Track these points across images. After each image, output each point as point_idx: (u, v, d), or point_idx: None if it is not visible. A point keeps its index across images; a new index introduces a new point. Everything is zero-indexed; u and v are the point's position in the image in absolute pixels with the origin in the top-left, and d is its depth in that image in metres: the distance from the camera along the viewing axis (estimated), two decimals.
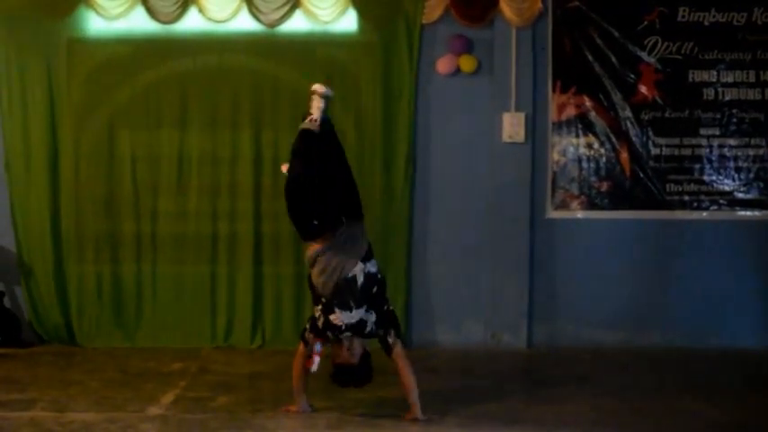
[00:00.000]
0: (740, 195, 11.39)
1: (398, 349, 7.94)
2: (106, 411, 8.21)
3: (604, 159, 11.34)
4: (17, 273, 11.19)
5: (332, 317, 7.82)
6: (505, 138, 11.16)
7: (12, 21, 11.02)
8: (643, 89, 11.33)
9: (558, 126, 11.33)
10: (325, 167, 7.97)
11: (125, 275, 11.18)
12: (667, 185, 11.35)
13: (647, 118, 11.33)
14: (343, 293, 7.81)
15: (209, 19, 11.02)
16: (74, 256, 11.15)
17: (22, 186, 11.12)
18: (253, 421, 7.93)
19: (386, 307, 8.00)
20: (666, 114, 11.34)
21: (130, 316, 11.20)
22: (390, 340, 7.92)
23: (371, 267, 7.94)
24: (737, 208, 11.40)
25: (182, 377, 9.58)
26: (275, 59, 11.17)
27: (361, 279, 7.85)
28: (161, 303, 11.19)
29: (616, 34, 11.26)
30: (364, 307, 7.85)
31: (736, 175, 11.38)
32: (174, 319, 11.17)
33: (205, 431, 7.68)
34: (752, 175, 11.39)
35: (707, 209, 11.39)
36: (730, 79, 11.38)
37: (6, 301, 11.14)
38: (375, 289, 7.94)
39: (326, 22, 11.07)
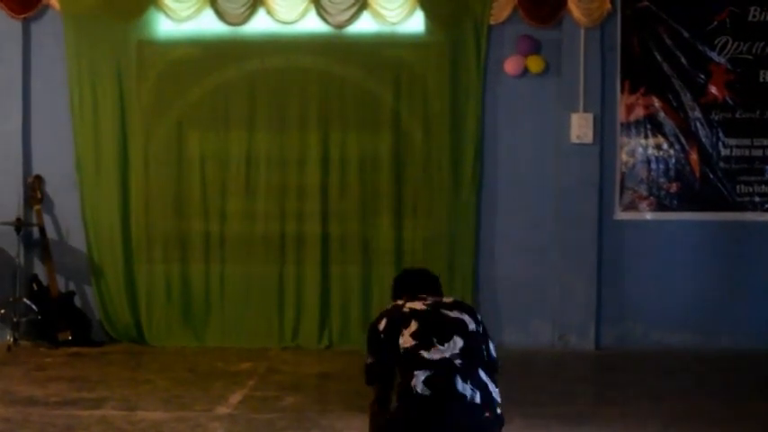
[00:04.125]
0: None
1: None
2: (175, 410, 8.27)
3: (673, 160, 11.24)
4: (88, 273, 11.32)
5: None
6: (573, 138, 11.10)
7: (82, 23, 11.13)
8: (713, 89, 11.22)
9: (627, 127, 11.24)
10: None
11: (194, 275, 11.27)
12: (737, 187, 11.22)
13: (717, 118, 11.21)
14: None
15: (278, 20, 11.07)
16: (143, 257, 11.26)
17: (93, 187, 11.24)
18: (320, 421, 7.95)
19: None
20: (737, 115, 11.21)
21: (199, 316, 11.28)
22: None
23: None
24: None
25: (250, 377, 9.63)
26: (343, 61, 11.19)
27: None
28: (229, 303, 11.27)
29: (686, 34, 11.16)
30: None
31: None
32: (242, 319, 11.24)
33: (273, 431, 7.71)
34: None
35: None
36: None
37: (77, 301, 11.26)
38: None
39: (394, 23, 11.08)
